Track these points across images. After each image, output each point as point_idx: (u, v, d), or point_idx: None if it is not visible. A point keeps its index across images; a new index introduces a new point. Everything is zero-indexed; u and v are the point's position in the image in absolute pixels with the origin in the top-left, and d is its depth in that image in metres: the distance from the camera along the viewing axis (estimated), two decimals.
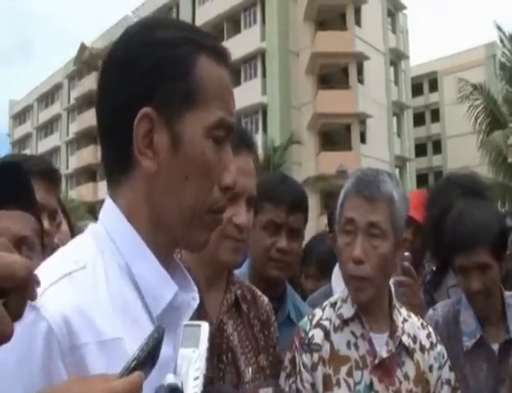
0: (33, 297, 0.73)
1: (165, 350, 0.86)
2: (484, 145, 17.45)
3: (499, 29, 18.74)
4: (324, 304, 2.07)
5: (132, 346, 0.85)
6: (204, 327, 0.92)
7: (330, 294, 2.78)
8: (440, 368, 1.98)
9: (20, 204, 1.72)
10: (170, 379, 0.85)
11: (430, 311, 2.56)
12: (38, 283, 0.74)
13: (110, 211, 1.07)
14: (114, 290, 0.98)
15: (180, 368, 0.87)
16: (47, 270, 0.94)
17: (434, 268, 3.21)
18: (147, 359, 0.78)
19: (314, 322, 1.98)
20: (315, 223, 23.40)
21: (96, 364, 0.89)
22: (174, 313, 1.04)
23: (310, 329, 1.96)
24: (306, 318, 2.03)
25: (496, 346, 2.36)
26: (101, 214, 1.10)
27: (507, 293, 2.46)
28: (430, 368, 1.96)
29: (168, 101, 1.01)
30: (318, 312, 2.02)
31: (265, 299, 2.02)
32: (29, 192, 1.77)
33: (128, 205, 1.05)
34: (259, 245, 2.32)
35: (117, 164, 1.07)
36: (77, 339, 0.89)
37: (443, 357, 2.01)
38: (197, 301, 1.13)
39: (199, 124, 1.03)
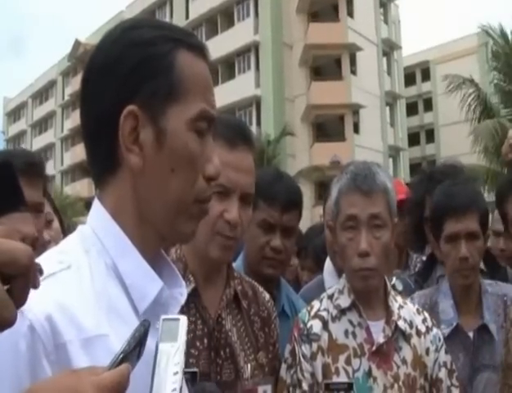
0: (35, 285, 0.75)
1: (151, 344, 0.88)
2: (476, 132, 17.53)
3: (487, 32, 18.80)
4: (321, 295, 2.11)
5: (118, 342, 0.87)
6: (183, 321, 0.92)
7: (322, 285, 2.87)
8: (437, 350, 2.03)
9: (16, 206, 1.75)
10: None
11: (408, 300, 2.62)
12: (40, 271, 0.77)
13: (97, 211, 1.09)
14: (100, 288, 1.00)
15: (159, 363, 0.86)
16: None
17: (424, 259, 3.27)
18: (134, 351, 0.80)
19: (312, 313, 2.03)
20: (309, 214, 23.50)
21: (80, 361, 0.90)
22: (160, 309, 1.04)
23: (308, 320, 2.01)
24: (304, 310, 2.08)
25: (471, 333, 2.41)
26: (89, 216, 1.12)
27: (486, 281, 2.53)
28: (427, 351, 2.01)
29: (151, 98, 1.04)
30: (316, 303, 2.08)
31: (266, 295, 2.03)
32: (21, 193, 1.79)
33: (114, 204, 1.08)
34: (254, 242, 2.31)
35: (103, 164, 1.09)
36: (61, 337, 0.90)
37: (439, 340, 2.06)
38: (184, 297, 1.14)
39: (182, 117, 1.05)
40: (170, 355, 0.87)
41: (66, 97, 53.55)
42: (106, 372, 0.73)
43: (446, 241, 2.44)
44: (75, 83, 50.91)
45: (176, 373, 0.85)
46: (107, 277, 1.03)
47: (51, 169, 52.54)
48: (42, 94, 59.22)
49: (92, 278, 1.00)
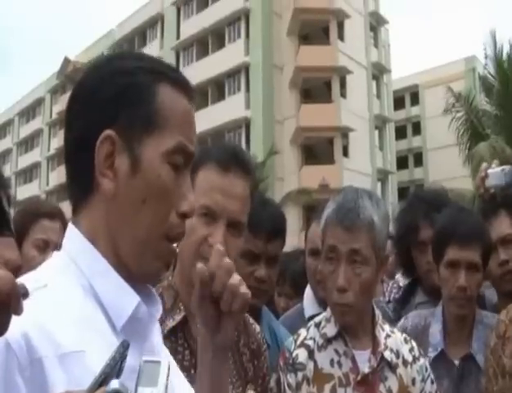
0: (17, 311, 0.74)
1: (129, 361, 0.89)
2: (469, 158, 17.60)
3: (493, 38, 18.88)
4: (309, 324, 2.10)
5: (95, 359, 0.90)
6: (164, 365, 0.91)
7: (302, 313, 2.84)
8: (423, 380, 2.00)
9: (1, 230, 1.68)
10: (114, 385, 0.83)
11: (402, 319, 2.63)
12: (24, 295, 0.75)
13: (72, 235, 1.10)
14: (76, 306, 1.00)
15: None
16: None
17: (401, 284, 3.29)
18: (113, 371, 0.80)
19: (298, 342, 2.01)
20: (297, 238, 23.38)
21: (56, 376, 0.90)
22: (138, 325, 1.06)
23: (294, 349, 1.99)
24: (291, 338, 2.06)
25: (457, 362, 2.41)
26: (64, 240, 1.12)
27: (484, 312, 2.51)
28: (413, 381, 1.98)
29: (129, 126, 1.05)
30: (303, 332, 2.05)
31: (257, 327, 2.01)
32: (8, 217, 1.72)
33: (88, 228, 1.08)
34: (237, 272, 2.23)
35: (80, 188, 1.10)
36: (36, 353, 0.90)
37: (426, 370, 2.04)
38: (160, 313, 1.15)
39: (158, 148, 1.06)
40: None
41: (54, 116, 53.45)
42: None
43: (446, 266, 2.42)
44: (64, 102, 50.23)
45: None
46: (83, 297, 1.03)
47: (36, 188, 52.24)
48: (29, 112, 59.04)
49: (68, 297, 1.01)
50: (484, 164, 2.94)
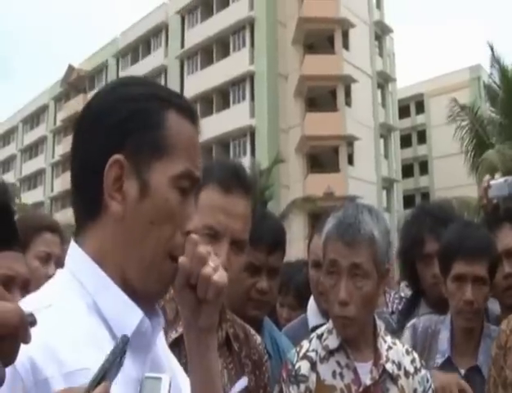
0: (26, 341, 0.75)
1: (132, 372, 0.95)
2: (475, 166, 17.57)
3: (491, 49, 18.93)
4: (311, 336, 2.11)
5: None
6: (165, 381, 0.92)
7: (306, 324, 2.86)
8: (424, 391, 2.02)
9: (10, 245, 1.74)
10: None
11: (414, 319, 2.66)
12: (32, 323, 0.76)
13: (75, 254, 1.12)
14: (81, 325, 1.03)
15: None
16: None
17: (403, 295, 3.31)
18: (113, 364, 0.81)
19: (301, 354, 2.03)
20: (302, 244, 23.42)
21: None
22: (142, 338, 1.09)
23: (297, 361, 2.01)
24: (294, 351, 2.08)
25: (463, 371, 2.42)
26: (66, 259, 1.15)
27: (492, 326, 2.51)
28: (415, 391, 2.00)
29: (138, 151, 1.08)
30: (305, 344, 2.07)
31: (258, 338, 2.04)
32: (18, 233, 1.77)
33: (95, 249, 1.10)
34: (239, 284, 2.23)
35: (86, 208, 1.13)
36: (41, 374, 0.93)
37: (427, 381, 2.05)
38: (162, 325, 1.18)
39: (166, 173, 1.09)
40: None
41: (58, 123, 53.81)
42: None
43: (453, 280, 2.44)
44: (67, 109, 51.19)
45: None
46: (88, 315, 1.05)
47: (40, 195, 52.41)
48: (33, 119, 59.42)
49: (72, 315, 1.03)
50: (487, 176, 2.96)
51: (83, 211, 1.14)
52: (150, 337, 1.12)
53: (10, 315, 0.71)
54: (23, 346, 0.85)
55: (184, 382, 1.27)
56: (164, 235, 1.10)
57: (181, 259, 1.11)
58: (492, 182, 2.85)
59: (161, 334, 1.26)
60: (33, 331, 0.88)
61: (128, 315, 1.07)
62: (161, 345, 1.24)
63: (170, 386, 0.95)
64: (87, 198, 1.12)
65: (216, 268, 1.15)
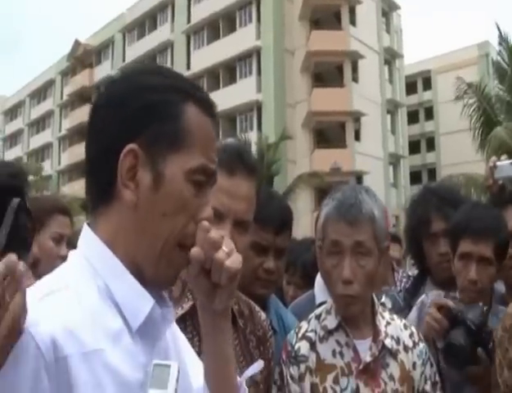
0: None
1: (141, 358, 0.97)
2: (482, 144, 17.45)
3: (498, 28, 18.78)
4: (309, 316, 2.14)
5: (114, 357, 0.99)
6: (174, 368, 0.93)
7: (313, 300, 2.89)
8: (423, 364, 2.06)
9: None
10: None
11: (423, 295, 2.68)
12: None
13: (88, 238, 1.13)
14: (94, 307, 1.04)
15: None
16: (30, 293, 0.95)
17: (410, 274, 3.29)
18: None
19: (300, 335, 2.05)
20: (309, 219, 23.52)
21: (79, 374, 0.95)
22: (153, 326, 1.10)
23: (296, 342, 2.03)
24: (292, 332, 2.10)
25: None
26: (80, 242, 1.15)
27: (500, 307, 2.53)
28: (414, 365, 2.04)
29: (154, 141, 1.08)
30: (304, 324, 2.10)
31: (262, 314, 2.06)
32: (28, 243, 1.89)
33: (107, 234, 1.11)
34: (246, 264, 2.19)
35: (100, 194, 1.13)
36: (61, 351, 0.94)
37: (425, 354, 2.09)
38: (172, 314, 1.19)
39: (181, 166, 1.09)
40: None
41: (65, 97, 53.64)
42: None
43: (459, 258, 2.47)
44: (74, 84, 51.00)
45: None
46: (100, 299, 1.06)
47: (48, 168, 52.44)
48: (40, 93, 59.22)
49: (87, 297, 1.04)
50: (493, 157, 2.97)
51: (97, 196, 1.14)
52: (160, 325, 1.13)
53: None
54: (45, 324, 0.94)
55: (196, 367, 1.28)
56: (177, 226, 1.10)
57: (194, 250, 1.11)
58: (498, 164, 2.86)
59: (173, 325, 1.26)
60: (55, 310, 0.97)
61: (140, 302, 1.08)
62: (171, 335, 1.24)
63: (179, 373, 0.97)
64: (102, 184, 1.12)
65: (230, 253, 1.15)
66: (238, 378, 1.34)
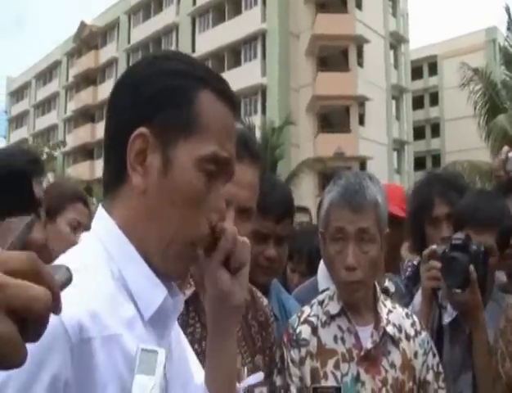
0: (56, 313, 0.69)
1: (148, 346, 0.96)
2: (490, 129, 17.35)
3: (507, 12, 18.63)
4: (312, 301, 2.14)
5: (129, 343, 0.98)
6: (161, 354, 0.93)
7: (316, 287, 2.86)
8: (425, 353, 2.06)
9: (27, 209, 1.84)
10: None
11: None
12: (68, 280, 0.71)
13: (103, 221, 1.11)
14: (110, 292, 1.03)
15: None
16: None
17: (415, 263, 3.25)
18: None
19: (302, 319, 2.06)
20: (312, 203, 23.53)
21: (99, 356, 0.94)
22: (163, 316, 1.09)
23: (298, 325, 2.04)
24: (295, 316, 2.11)
25: (468, 330, 2.43)
26: (94, 224, 1.14)
27: (500, 293, 2.55)
28: (415, 354, 2.04)
29: (165, 126, 1.06)
30: (306, 309, 2.11)
31: (264, 300, 2.06)
32: (34, 198, 1.90)
33: (121, 218, 1.09)
34: None
35: (113, 178, 1.12)
36: (86, 333, 0.93)
37: (427, 343, 2.09)
38: (182, 305, 1.18)
39: (193, 153, 1.07)
40: (147, 388, 0.90)
41: (70, 79, 53.64)
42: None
43: None
44: (80, 65, 50.95)
45: None
46: (114, 285, 1.05)
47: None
48: (45, 75, 59.24)
49: (103, 281, 1.03)
50: (505, 148, 2.94)
51: (110, 179, 1.13)
52: (170, 314, 1.12)
53: (36, 303, 0.61)
54: (72, 306, 0.88)
55: (195, 364, 1.29)
56: (188, 221, 1.08)
57: (224, 238, 1.14)
58: (511, 155, 2.84)
59: (176, 325, 1.25)
60: (79, 292, 0.92)
61: (154, 292, 1.07)
62: (174, 331, 1.23)
63: (166, 359, 0.96)
64: (114, 166, 1.11)
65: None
66: (237, 385, 1.34)
